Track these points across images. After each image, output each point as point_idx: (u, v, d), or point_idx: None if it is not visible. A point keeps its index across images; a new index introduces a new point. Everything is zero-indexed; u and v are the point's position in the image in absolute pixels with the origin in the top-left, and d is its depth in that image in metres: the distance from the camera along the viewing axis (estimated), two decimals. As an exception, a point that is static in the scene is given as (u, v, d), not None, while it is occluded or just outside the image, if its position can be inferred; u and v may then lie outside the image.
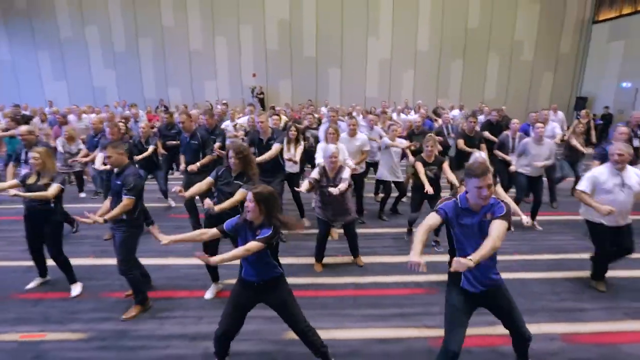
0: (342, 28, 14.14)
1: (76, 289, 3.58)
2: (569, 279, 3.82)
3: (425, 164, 4.39)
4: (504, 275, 3.79)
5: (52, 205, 3.42)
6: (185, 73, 14.44)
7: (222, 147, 5.23)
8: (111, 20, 13.87)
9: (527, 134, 5.58)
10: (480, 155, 3.61)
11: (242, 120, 7.27)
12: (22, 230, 4.87)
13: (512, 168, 5.11)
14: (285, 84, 14.67)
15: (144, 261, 3.86)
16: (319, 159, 4.58)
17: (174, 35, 14.04)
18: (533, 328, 3.00)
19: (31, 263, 3.84)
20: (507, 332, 2.98)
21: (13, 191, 3.24)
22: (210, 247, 3.20)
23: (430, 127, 7.64)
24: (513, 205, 2.81)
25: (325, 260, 4.20)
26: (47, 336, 2.95)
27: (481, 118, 8.32)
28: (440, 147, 5.23)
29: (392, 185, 5.58)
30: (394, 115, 9.57)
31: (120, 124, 5.90)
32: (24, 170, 4.26)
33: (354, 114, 9.68)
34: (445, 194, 3.19)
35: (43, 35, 13.83)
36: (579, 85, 15.11)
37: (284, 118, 7.82)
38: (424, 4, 14.06)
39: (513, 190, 5.51)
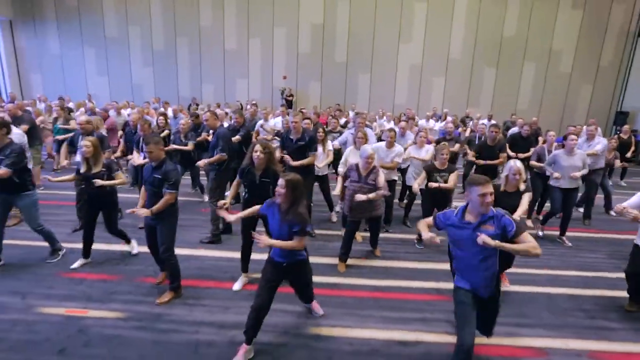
0: (374, 33, 14.19)
1: (134, 247, 4.31)
2: (598, 297, 3.73)
3: (437, 171, 4.45)
4: (530, 289, 3.80)
5: (108, 188, 3.86)
6: (219, 72, 14.90)
7: (244, 142, 5.44)
8: (152, 19, 14.53)
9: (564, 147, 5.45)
10: (515, 163, 3.56)
11: (276, 122, 7.46)
12: (66, 214, 5.26)
13: (556, 175, 4.86)
14: (315, 87, 14.86)
15: (176, 251, 4.08)
16: (344, 162, 4.69)
17: (210, 35, 14.53)
18: (559, 343, 3.00)
19: (75, 245, 4.16)
20: (528, 343, 2.99)
21: (99, 182, 3.68)
22: (249, 229, 3.42)
23: (458, 135, 7.60)
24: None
25: (349, 261, 4.28)
26: (89, 313, 3.19)
27: (514, 129, 8.16)
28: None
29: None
30: (423, 122, 9.54)
31: (160, 119, 6.23)
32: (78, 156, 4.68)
33: (384, 119, 9.73)
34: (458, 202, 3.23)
35: (90, 33, 14.66)
36: (620, 99, 14.44)
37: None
38: (459, 10, 13.88)
39: (547, 204, 5.43)
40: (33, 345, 2.79)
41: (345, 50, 14.40)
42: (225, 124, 6.93)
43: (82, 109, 8.78)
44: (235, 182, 3.62)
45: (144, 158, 4.56)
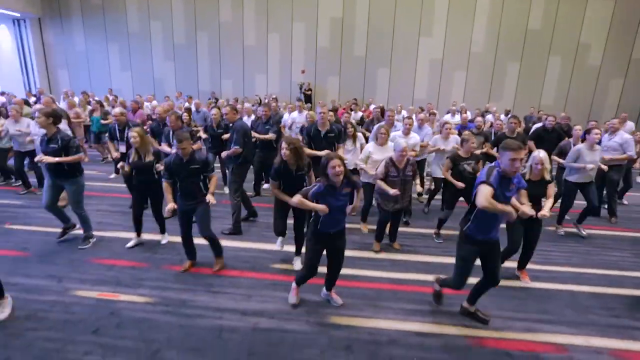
0: (393, 27, 14.03)
1: (165, 238, 4.53)
2: (623, 296, 3.66)
3: (462, 159, 4.49)
4: (552, 286, 3.77)
5: (157, 177, 4.16)
6: (238, 67, 15.07)
7: (277, 139, 5.52)
8: (173, 15, 14.79)
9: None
10: (539, 153, 3.60)
11: (293, 117, 7.53)
12: (98, 204, 5.50)
13: (590, 166, 4.79)
14: (333, 82, 14.85)
15: (199, 241, 4.22)
16: (365, 159, 4.72)
17: (229, 30, 14.70)
18: (580, 340, 2.98)
19: (104, 233, 4.36)
20: (549, 339, 2.97)
21: (160, 166, 4.05)
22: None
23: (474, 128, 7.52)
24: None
25: (367, 254, 4.34)
26: (120, 297, 3.36)
27: (538, 125, 7.95)
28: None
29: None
30: (449, 117, 9.43)
31: (185, 115, 6.41)
32: (121, 146, 5.17)
33: (404, 112, 9.68)
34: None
35: (114, 29, 15.07)
36: (653, 93, 13.84)
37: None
38: (482, 2, 13.56)
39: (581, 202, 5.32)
40: (70, 325, 2.97)
41: (365, 44, 14.31)
42: (246, 118, 7.07)
43: (117, 102, 9.23)
44: (273, 186, 3.68)
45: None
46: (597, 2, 13.21)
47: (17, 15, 14.27)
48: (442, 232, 4.88)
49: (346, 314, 3.21)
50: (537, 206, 3.60)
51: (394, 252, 4.44)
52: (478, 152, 5.30)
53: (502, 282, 3.76)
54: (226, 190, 6.50)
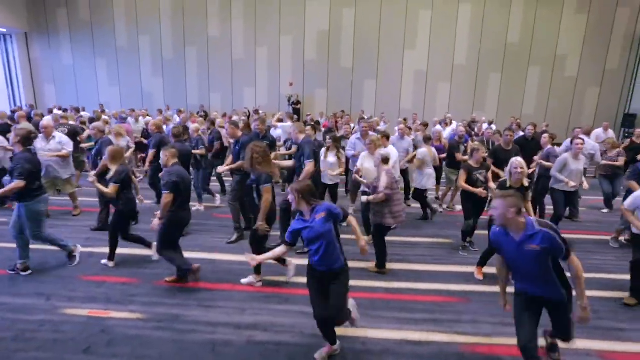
0: (379, 39, 14.37)
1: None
2: (607, 298, 3.77)
3: (474, 169, 4.50)
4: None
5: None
6: (227, 80, 15.17)
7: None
8: (162, 30, 14.87)
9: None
10: (516, 159, 3.77)
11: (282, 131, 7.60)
12: (88, 220, 5.44)
13: (573, 184, 4.98)
14: (321, 94, 15.04)
15: (191, 255, 4.24)
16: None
17: (218, 44, 14.83)
18: (567, 343, 3.03)
19: (94, 249, 4.32)
20: (540, 343, 3.04)
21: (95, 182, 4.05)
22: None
23: (468, 139, 7.67)
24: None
25: (359, 264, 4.36)
26: (111, 314, 3.31)
27: (518, 134, 8.19)
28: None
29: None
30: (439, 127, 9.58)
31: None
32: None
33: (382, 124, 9.83)
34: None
35: (102, 43, 15.05)
36: (628, 101, 14.41)
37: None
38: (463, 17, 14.04)
39: (550, 207, 5.48)
40: (60, 344, 2.91)
41: (351, 57, 14.59)
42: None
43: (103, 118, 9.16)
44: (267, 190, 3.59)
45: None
46: (570, 17, 13.82)
47: (4, 30, 14.16)
48: (442, 240, 4.99)
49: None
50: None
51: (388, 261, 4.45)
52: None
53: (493, 288, 3.85)
54: (217, 202, 6.50)
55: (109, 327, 3.14)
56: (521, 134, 7.59)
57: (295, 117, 12.26)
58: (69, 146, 5.55)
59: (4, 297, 3.53)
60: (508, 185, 3.79)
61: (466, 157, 5.68)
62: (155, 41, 14.98)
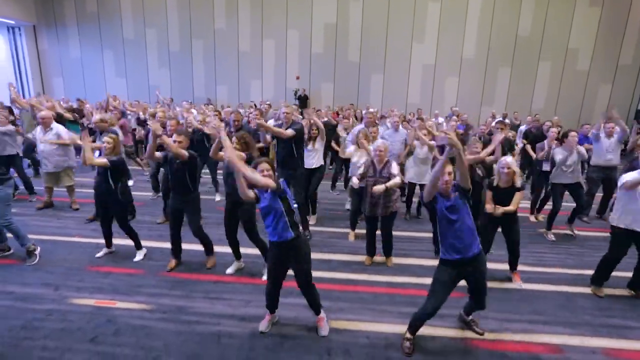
0: (387, 32, 14.20)
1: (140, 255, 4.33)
2: (616, 296, 3.72)
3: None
4: (546, 287, 3.82)
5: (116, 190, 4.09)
6: (233, 73, 15.13)
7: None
8: (168, 22, 14.85)
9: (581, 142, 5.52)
10: (505, 158, 3.68)
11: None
12: (91, 211, 5.46)
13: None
14: (328, 87, 14.95)
15: (196, 247, 4.25)
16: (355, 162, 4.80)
17: (224, 37, 14.77)
18: (575, 340, 3.03)
19: (100, 240, 4.35)
20: (544, 340, 3.02)
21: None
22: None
23: (460, 128, 7.65)
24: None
25: (362, 258, 4.36)
26: (117, 304, 3.35)
27: (522, 129, 8.20)
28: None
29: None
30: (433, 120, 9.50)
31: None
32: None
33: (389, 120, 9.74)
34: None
35: (109, 36, 15.08)
36: (641, 97, 14.11)
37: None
38: (473, 9, 13.79)
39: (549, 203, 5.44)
40: (67, 333, 2.95)
41: (358, 50, 14.45)
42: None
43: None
44: None
45: None
46: (583, 9, 13.50)
47: (12, 23, 14.24)
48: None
49: (344, 318, 3.24)
50: (507, 215, 3.66)
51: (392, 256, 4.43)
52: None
53: (498, 284, 3.83)
54: (217, 197, 6.50)
55: (115, 317, 3.18)
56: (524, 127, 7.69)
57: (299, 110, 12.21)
58: (65, 136, 5.56)
59: (12, 286, 3.59)
60: (495, 184, 3.71)
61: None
62: (162, 33, 14.97)
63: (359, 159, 4.76)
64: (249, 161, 3.44)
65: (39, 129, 5.57)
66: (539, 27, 13.73)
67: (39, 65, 15.58)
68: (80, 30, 15.15)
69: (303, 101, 14.17)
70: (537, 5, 13.55)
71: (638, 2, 13.29)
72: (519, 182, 3.66)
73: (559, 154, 4.96)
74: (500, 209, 3.63)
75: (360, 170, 4.17)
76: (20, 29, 14.78)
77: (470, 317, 3.15)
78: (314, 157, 5.20)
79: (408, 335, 2.89)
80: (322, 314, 3.09)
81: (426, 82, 14.55)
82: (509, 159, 3.66)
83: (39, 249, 4.21)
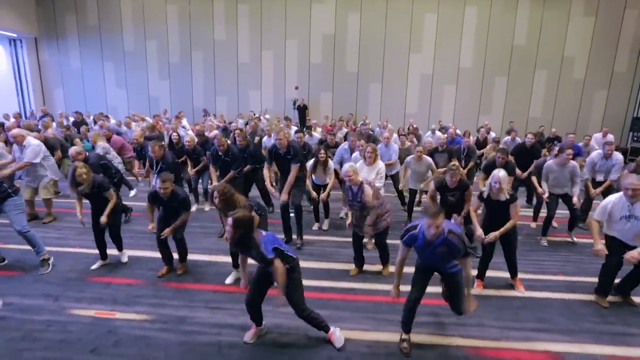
0: (384, 43, 14.38)
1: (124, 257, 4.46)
2: (616, 303, 3.72)
3: (447, 190, 4.35)
4: (547, 294, 3.82)
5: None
6: (233, 84, 15.26)
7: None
8: (169, 34, 15.02)
9: (579, 154, 5.50)
10: (498, 172, 3.66)
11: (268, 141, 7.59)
12: (90, 222, 5.48)
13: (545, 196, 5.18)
14: (326, 97, 15.07)
15: (196, 257, 4.27)
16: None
17: (224, 48, 14.93)
18: (576, 348, 3.02)
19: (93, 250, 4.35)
20: (545, 348, 3.01)
21: (103, 219, 4.09)
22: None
23: (459, 143, 7.45)
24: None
25: (364, 267, 4.36)
26: (117, 315, 3.34)
27: (506, 139, 7.95)
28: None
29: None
30: (428, 134, 9.44)
31: (174, 135, 6.57)
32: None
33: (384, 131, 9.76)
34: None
35: (109, 48, 15.23)
36: (637, 105, 14.24)
37: (315, 134, 8.19)
38: (469, 20, 14.00)
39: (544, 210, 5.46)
40: (67, 344, 2.94)
41: (356, 60, 14.61)
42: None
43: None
44: None
45: None
46: (578, 19, 13.72)
47: (14, 35, 14.40)
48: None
49: (344, 327, 3.23)
50: (499, 225, 3.68)
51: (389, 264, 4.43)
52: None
53: (499, 292, 3.83)
54: (206, 207, 6.51)
55: (115, 327, 3.17)
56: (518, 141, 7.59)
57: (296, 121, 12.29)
58: (29, 155, 5.39)
59: (12, 297, 3.58)
60: (486, 196, 3.73)
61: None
62: (162, 45, 15.13)
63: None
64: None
65: (15, 147, 5.54)
66: (534, 36, 13.93)
67: (40, 76, 15.69)
68: (81, 42, 15.31)
69: (302, 111, 14.26)
70: (532, 15, 13.78)
71: (631, 10, 13.53)
72: (503, 197, 3.62)
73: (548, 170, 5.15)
74: (493, 235, 3.67)
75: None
76: (21, 41, 14.93)
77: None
78: (324, 177, 5.35)
79: (403, 336, 2.97)
80: (331, 329, 3.03)
81: (424, 91, 14.69)
82: (501, 173, 3.63)
83: (52, 258, 4.24)
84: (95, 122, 9.88)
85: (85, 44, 15.29)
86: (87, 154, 5.44)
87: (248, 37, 14.79)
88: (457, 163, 4.54)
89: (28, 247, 4.17)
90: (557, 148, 5.63)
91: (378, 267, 4.36)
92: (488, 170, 5.07)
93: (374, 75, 14.66)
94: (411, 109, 14.70)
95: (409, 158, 5.76)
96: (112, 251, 4.40)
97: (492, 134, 9.85)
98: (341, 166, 5.43)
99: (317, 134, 8.52)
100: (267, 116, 13.06)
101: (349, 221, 4.15)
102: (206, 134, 8.17)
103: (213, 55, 15.07)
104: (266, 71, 15.04)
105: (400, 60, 14.44)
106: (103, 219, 4.01)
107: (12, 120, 9.70)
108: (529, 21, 13.85)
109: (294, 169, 4.70)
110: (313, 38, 14.56)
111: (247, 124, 10.68)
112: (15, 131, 5.54)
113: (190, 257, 4.35)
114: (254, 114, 13.62)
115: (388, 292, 3.82)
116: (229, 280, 3.98)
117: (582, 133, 11.31)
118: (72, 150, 5.23)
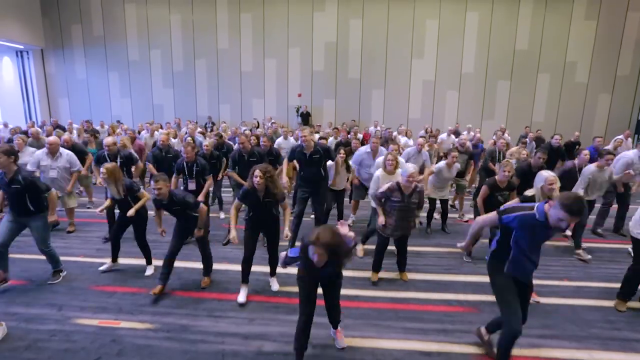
0: (386, 49, 14.46)
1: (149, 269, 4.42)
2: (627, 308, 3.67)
3: (497, 190, 4.40)
4: (554, 300, 3.77)
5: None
6: (236, 92, 15.39)
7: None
8: (172, 43, 15.21)
9: (594, 158, 5.39)
10: (547, 173, 3.65)
11: (284, 143, 7.61)
12: (99, 231, 5.50)
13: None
14: (329, 104, 15.15)
15: (198, 265, 4.27)
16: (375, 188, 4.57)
17: (227, 56, 15.09)
18: (583, 354, 2.98)
19: (104, 260, 4.37)
20: (552, 354, 2.97)
21: (131, 211, 4.16)
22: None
23: (481, 149, 7.57)
24: None
25: (366, 274, 4.33)
26: (121, 324, 3.34)
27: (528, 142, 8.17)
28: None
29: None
30: (444, 136, 9.51)
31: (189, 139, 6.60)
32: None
33: (402, 136, 9.79)
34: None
35: (114, 58, 15.46)
36: (641, 108, 14.18)
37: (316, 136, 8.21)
38: (471, 25, 14.07)
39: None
40: (71, 354, 2.94)
41: (359, 67, 14.70)
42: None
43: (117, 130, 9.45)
44: (235, 204, 3.76)
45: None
46: (580, 23, 13.74)
47: (21, 47, 14.65)
48: (452, 250, 5.05)
49: (349, 334, 3.20)
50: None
51: (394, 270, 4.40)
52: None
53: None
54: (222, 215, 6.51)
55: (119, 336, 3.17)
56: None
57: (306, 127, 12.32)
58: (77, 164, 5.53)
59: (17, 307, 3.59)
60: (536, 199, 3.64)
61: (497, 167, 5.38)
62: (166, 54, 15.32)
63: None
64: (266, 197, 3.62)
65: (45, 155, 5.37)
66: (536, 41, 13.95)
67: (46, 87, 15.93)
68: (87, 53, 15.55)
69: (305, 118, 14.33)
70: (534, 19, 13.82)
71: (633, 13, 13.52)
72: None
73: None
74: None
75: (382, 190, 3.98)
76: (28, 53, 15.19)
77: (489, 337, 3.01)
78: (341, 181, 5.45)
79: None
80: (339, 327, 3.09)
81: (427, 97, 14.72)
82: (551, 173, 3.63)
83: (65, 272, 4.25)
84: (113, 131, 9.93)
85: (91, 54, 15.53)
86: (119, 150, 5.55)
87: (251, 46, 14.95)
88: (507, 157, 4.60)
89: (33, 257, 4.20)
90: (584, 152, 5.50)
91: (381, 274, 4.33)
92: (524, 174, 4.83)
93: (376, 81, 14.73)
94: (414, 114, 14.73)
95: (441, 163, 5.60)
96: (123, 260, 4.40)
97: (507, 137, 9.83)
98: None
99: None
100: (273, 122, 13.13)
101: (381, 221, 3.97)
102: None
103: (216, 64, 15.23)
104: (269, 79, 15.17)
105: (402, 66, 14.51)
106: (131, 211, 4.08)
107: (60, 131, 9.27)
108: (530, 26, 13.88)
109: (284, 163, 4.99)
110: (315, 45, 14.68)
111: (250, 130, 10.73)
112: (52, 139, 5.43)
113: (194, 265, 4.36)
114: (257, 122, 13.73)
115: (391, 299, 3.82)
116: (241, 299, 3.76)
117: (586, 137, 11.27)
118: (107, 140, 5.41)
